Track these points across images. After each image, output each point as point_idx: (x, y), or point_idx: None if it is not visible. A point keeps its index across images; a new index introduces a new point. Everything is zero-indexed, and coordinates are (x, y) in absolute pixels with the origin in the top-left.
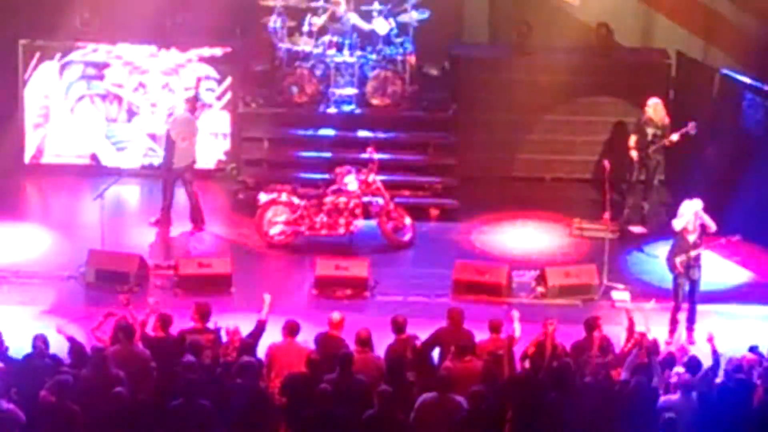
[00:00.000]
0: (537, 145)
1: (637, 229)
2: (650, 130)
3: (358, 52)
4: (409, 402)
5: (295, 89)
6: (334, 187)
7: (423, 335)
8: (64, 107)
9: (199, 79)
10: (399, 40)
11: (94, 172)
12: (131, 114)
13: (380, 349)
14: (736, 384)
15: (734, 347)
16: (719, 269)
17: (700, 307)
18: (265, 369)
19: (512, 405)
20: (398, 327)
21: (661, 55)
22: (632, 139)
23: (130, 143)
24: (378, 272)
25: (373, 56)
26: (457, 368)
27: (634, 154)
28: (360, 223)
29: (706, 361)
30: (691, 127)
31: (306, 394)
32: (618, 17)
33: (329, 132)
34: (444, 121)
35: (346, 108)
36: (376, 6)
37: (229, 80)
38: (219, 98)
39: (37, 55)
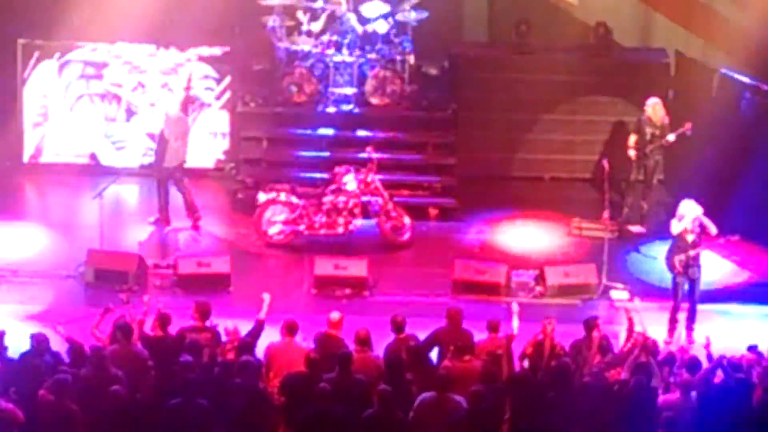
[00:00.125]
0: (536, 145)
1: (636, 228)
2: (649, 130)
3: (357, 52)
4: (408, 401)
5: (294, 89)
6: (333, 186)
7: (422, 335)
8: (63, 106)
9: (189, 77)
10: (398, 39)
11: (93, 171)
12: (130, 113)
13: (379, 349)
14: (735, 383)
15: (733, 347)
16: (719, 269)
17: (700, 307)
18: (264, 368)
19: (511, 405)
20: (397, 327)
21: (660, 55)
22: (632, 139)
23: (129, 143)
24: (377, 272)
25: (373, 56)
26: (456, 368)
27: (632, 153)
28: (359, 223)
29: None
30: (687, 128)
31: (305, 394)
32: (617, 17)
33: (328, 131)
34: (443, 120)
35: (345, 107)
36: (376, 6)
37: (228, 79)
38: (218, 98)
39: (36, 54)
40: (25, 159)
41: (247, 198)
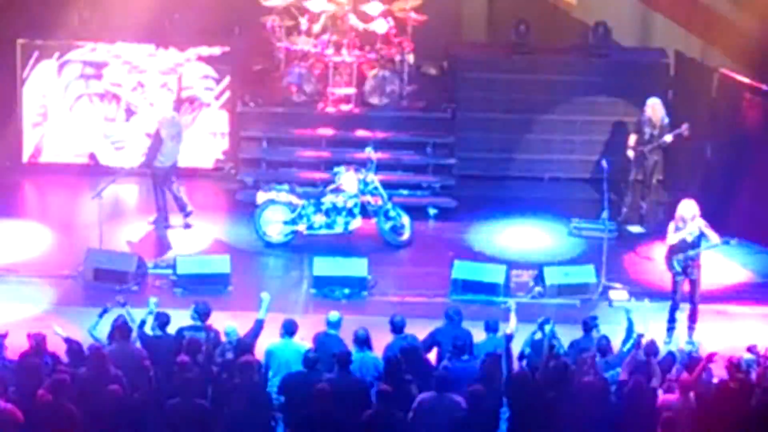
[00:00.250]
0: (535, 145)
1: (635, 228)
2: (648, 130)
3: (357, 52)
4: (408, 401)
5: (293, 88)
6: (332, 186)
7: (421, 335)
8: (63, 106)
9: (180, 78)
10: (397, 39)
11: (93, 171)
12: (129, 113)
13: (379, 349)
14: (734, 384)
15: (733, 347)
16: (718, 269)
17: (700, 307)
18: (263, 368)
19: (510, 404)
20: (396, 327)
21: (659, 55)
22: (632, 139)
23: (128, 142)
24: (376, 271)
25: (372, 56)
26: (455, 368)
27: (630, 153)
28: (358, 223)
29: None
30: (684, 129)
31: (304, 394)
32: (616, 17)
33: (328, 131)
34: (442, 120)
35: (345, 107)
36: (376, 6)
37: (227, 79)
38: (217, 97)
39: (36, 54)
40: (25, 159)
41: (246, 198)
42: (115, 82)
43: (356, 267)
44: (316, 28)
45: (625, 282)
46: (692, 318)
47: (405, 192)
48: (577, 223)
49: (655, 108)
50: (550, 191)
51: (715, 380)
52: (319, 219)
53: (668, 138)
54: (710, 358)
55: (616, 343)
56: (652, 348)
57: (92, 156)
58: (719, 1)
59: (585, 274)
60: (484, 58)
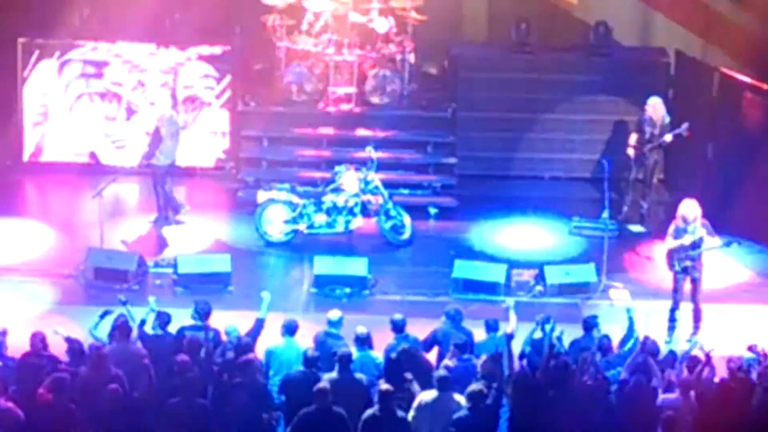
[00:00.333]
0: (536, 144)
1: (636, 228)
2: (648, 129)
3: (357, 51)
4: (408, 401)
5: (294, 88)
6: (333, 185)
7: (422, 334)
8: (63, 105)
9: (175, 77)
10: (398, 38)
11: (93, 170)
12: (130, 112)
13: (379, 348)
14: (735, 383)
15: (734, 346)
16: (720, 268)
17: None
18: (264, 368)
19: (511, 404)
20: (397, 326)
21: (660, 54)
22: (633, 138)
23: (128, 142)
24: (377, 271)
25: (372, 55)
26: (456, 367)
27: (631, 152)
28: (359, 222)
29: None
30: (684, 129)
31: (305, 393)
32: (617, 16)
33: (328, 130)
34: (443, 119)
35: (345, 107)
36: (376, 5)
37: (228, 78)
38: (218, 96)
39: (36, 53)
40: (25, 158)
41: (247, 197)
42: (115, 81)
43: (357, 266)
44: (317, 27)
45: (626, 281)
46: (696, 318)
47: (405, 191)
48: (578, 222)
49: (655, 107)
50: (550, 190)
51: (716, 380)
52: (319, 218)
53: (668, 138)
54: (708, 357)
55: (616, 343)
56: (653, 348)
57: (93, 155)
58: (720, 1)
59: (586, 273)
60: (484, 57)
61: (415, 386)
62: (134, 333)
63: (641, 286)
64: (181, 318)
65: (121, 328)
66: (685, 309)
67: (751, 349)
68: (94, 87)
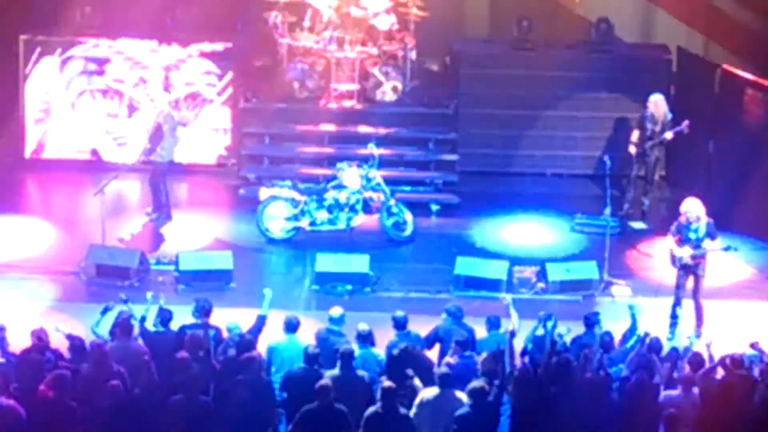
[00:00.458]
0: (537, 141)
1: (637, 224)
2: (650, 126)
3: (359, 48)
4: (410, 398)
5: (296, 84)
6: (334, 182)
7: (423, 331)
8: (65, 102)
9: (166, 75)
10: (400, 35)
11: (95, 167)
12: (132, 109)
13: (381, 345)
14: (737, 380)
15: (736, 343)
16: (722, 265)
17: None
18: (266, 365)
19: (512, 401)
20: (399, 323)
21: (661, 51)
22: (635, 135)
23: (130, 138)
24: (378, 268)
25: (374, 51)
26: (457, 364)
27: (632, 149)
28: (361, 219)
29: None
30: (684, 126)
31: (306, 390)
32: (618, 12)
33: (330, 127)
34: (445, 116)
35: (347, 103)
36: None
37: (229, 75)
38: (220, 93)
39: (38, 50)
40: (27, 155)
41: (248, 194)
42: (117, 78)
43: (358, 263)
44: (319, 24)
45: (628, 278)
46: (698, 315)
47: (407, 188)
48: (580, 219)
49: (657, 104)
50: (552, 187)
51: (718, 376)
52: (321, 215)
53: (668, 135)
54: (723, 361)
55: (618, 339)
56: (655, 345)
57: (94, 152)
58: None
59: (587, 270)
60: (486, 54)
61: (417, 383)
62: (136, 330)
63: (643, 282)
64: (183, 315)
65: (122, 326)
66: (687, 306)
67: (753, 346)
68: (96, 84)
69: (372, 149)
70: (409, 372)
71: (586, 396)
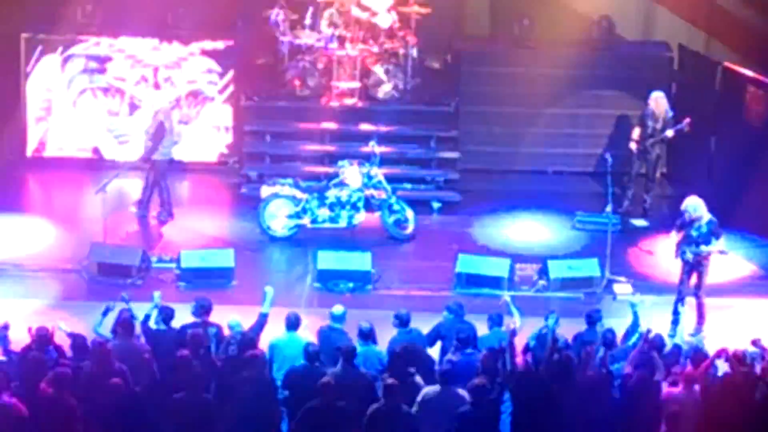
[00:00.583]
0: (539, 139)
1: (639, 222)
2: (651, 123)
3: (360, 46)
4: (413, 395)
5: (297, 82)
6: (336, 180)
7: (425, 329)
8: (67, 101)
9: (156, 69)
10: (401, 33)
11: (96, 165)
12: (133, 107)
13: (383, 343)
14: (738, 377)
15: (737, 340)
16: (723, 262)
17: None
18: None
19: (514, 398)
20: (401, 321)
21: (663, 49)
22: (636, 132)
23: (131, 137)
24: (380, 265)
25: (375, 49)
26: (459, 361)
27: (633, 146)
28: (362, 217)
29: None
30: (685, 124)
31: (308, 387)
32: (620, 10)
33: (331, 125)
34: (446, 114)
35: (349, 101)
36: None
37: (231, 73)
38: (221, 92)
39: (39, 48)
40: (29, 153)
41: (250, 192)
42: (118, 76)
43: (360, 261)
44: (321, 22)
45: (629, 275)
46: (699, 312)
47: (409, 186)
48: (581, 216)
49: (658, 101)
50: (553, 185)
51: (719, 373)
52: (323, 213)
53: (669, 133)
54: (719, 354)
55: (619, 337)
56: (658, 342)
57: (96, 150)
58: None
59: (589, 267)
60: (487, 51)
61: (419, 380)
62: (137, 328)
63: (644, 280)
64: (184, 312)
65: (124, 324)
66: (689, 303)
67: (754, 343)
68: (97, 82)
69: (373, 147)
70: (411, 369)
71: (588, 393)
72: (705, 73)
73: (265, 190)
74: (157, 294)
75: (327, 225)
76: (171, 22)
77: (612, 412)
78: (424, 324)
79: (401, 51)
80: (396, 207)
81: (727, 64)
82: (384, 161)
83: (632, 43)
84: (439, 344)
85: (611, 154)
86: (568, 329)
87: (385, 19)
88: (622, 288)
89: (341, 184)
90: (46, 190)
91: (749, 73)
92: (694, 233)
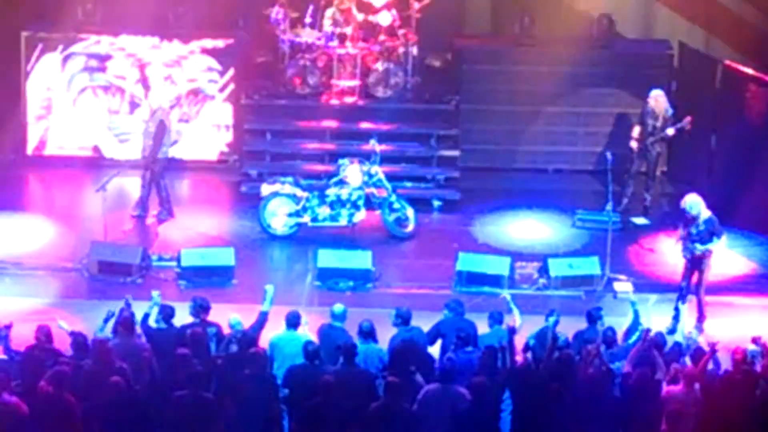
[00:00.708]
0: (539, 137)
1: (639, 220)
2: (650, 122)
3: (361, 44)
4: (413, 393)
5: (297, 81)
6: (336, 178)
7: (426, 327)
8: (67, 99)
9: (143, 67)
10: (402, 31)
11: (97, 163)
12: (133, 106)
13: (383, 341)
14: (738, 375)
15: (738, 338)
16: (724, 260)
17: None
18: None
19: (514, 396)
20: (402, 319)
21: (663, 46)
22: (636, 130)
23: (132, 135)
24: (380, 264)
25: (376, 48)
26: (459, 359)
27: (633, 144)
28: (362, 215)
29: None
30: (686, 123)
31: (308, 386)
32: (620, 8)
33: (332, 123)
34: (446, 112)
35: (349, 99)
36: None
37: (231, 72)
38: (221, 90)
39: (40, 47)
40: (29, 151)
41: (250, 190)
42: (119, 74)
43: (360, 259)
44: (323, 20)
45: (630, 273)
46: (700, 310)
47: (409, 184)
48: (582, 214)
49: (658, 100)
50: (554, 183)
51: (720, 371)
52: (323, 211)
53: (670, 131)
54: (713, 348)
55: (620, 335)
56: (658, 340)
57: (96, 149)
58: None
59: (589, 265)
60: (488, 50)
61: (419, 378)
62: (138, 328)
63: (645, 278)
64: (184, 311)
65: (124, 323)
66: (690, 301)
67: (755, 341)
68: (98, 80)
69: (374, 145)
70: (412, 368)
71: (588, 392)
72: (705, 71)
73: (266, 189)
74: (155, 293)
75: (327, 223)
76: (171, 21)
77: (612, 410)
78: (424, 322)
79: (402, 49)
80: (396, 205)
81: (727, 62)
82: (384, 159)
83: (632, 41)
84: (439, 342)
85: (611, 152)
86: (569, 327)
87: (386, 17)
88: (623, 286)
89: (341, 183)
90: (47, 188)
91: (749, 71)
92: (693, 230)
